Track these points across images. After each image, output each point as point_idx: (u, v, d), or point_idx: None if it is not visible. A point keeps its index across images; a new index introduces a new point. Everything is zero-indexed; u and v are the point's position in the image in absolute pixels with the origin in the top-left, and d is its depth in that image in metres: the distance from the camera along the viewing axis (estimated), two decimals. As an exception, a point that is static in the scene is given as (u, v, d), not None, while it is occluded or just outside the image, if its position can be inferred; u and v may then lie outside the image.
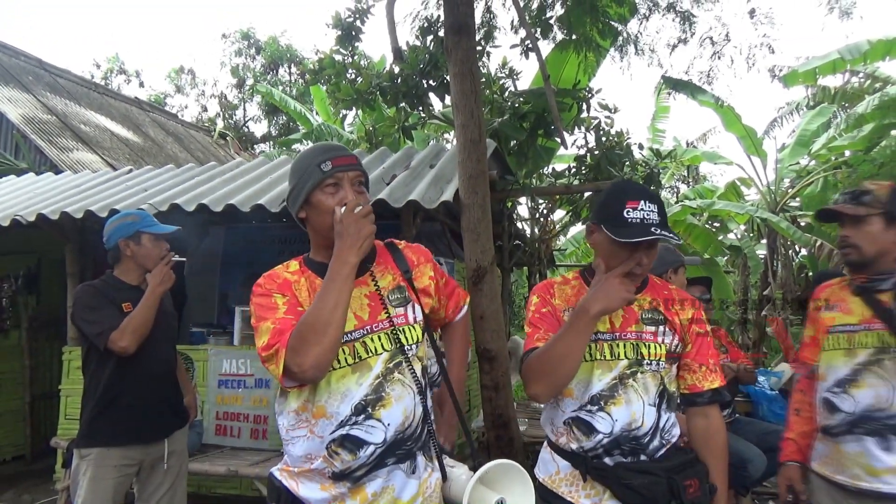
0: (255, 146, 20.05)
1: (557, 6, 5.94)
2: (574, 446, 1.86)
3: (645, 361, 1.84)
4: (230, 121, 20.59)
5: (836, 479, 2.16)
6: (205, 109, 22.47)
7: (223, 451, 4.71)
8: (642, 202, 1.77)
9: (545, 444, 2.01)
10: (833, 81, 10.79)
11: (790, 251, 11.04)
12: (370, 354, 1.62)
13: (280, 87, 17.94)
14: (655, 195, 1.85)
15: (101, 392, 2.82)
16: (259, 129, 21.44)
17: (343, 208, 1.57)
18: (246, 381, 5.07)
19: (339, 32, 6.43)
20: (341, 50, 6.62)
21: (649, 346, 1.86)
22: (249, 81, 20.86)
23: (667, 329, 1.88)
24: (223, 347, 5.23)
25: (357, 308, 1.64)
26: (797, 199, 10.67)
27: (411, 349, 1.69)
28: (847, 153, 9.60)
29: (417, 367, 1.68)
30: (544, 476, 1.94)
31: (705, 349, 1.92)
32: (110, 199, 5.23)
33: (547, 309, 1.93)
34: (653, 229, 1.74)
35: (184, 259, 3.20)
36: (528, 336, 1.91)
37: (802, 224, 10.56)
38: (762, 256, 10.91)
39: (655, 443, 1.83)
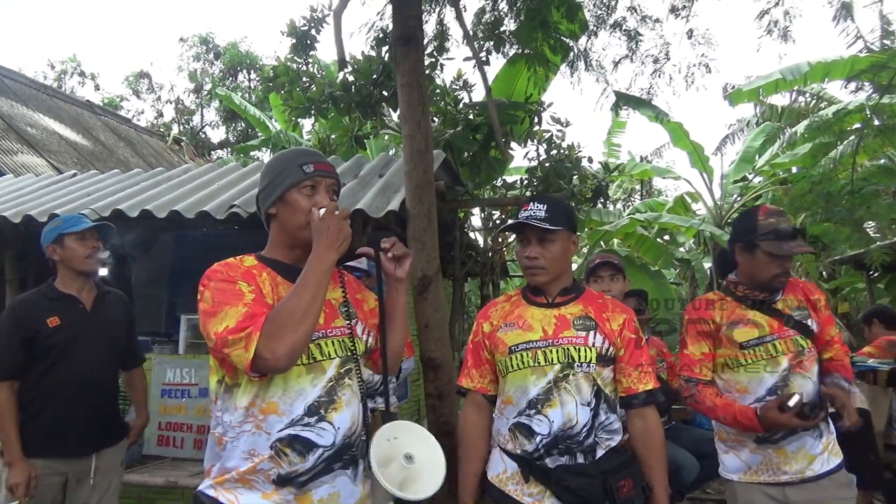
0: (212, 152, 19.76)
1: (510, 21, 6.06)
2: (519, 451, 1.98)
3: (576, 364, 1.97)
4: (187, 126, 20.27)
5: (781, 479, 2.29)
6: (160, 114, 22.09)
7: (164, 463, 4.63)
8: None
9: (496, 445, 2.11)
10: (781, 100, 11.23)
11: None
12: (324, 357, 1.64)
13: (239, 93, 17.75)
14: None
15: (27, 401, 2.75)
16: (217, 135, 21.16)
17: (323, 209, 1.61)
18: (190, 391, 4.99)
19: (294, 41, 6.43)
20: (296, 58, 6.61)
21: (579, 349, 1.98)
22: (207, 86, 20.58)
23: (597, 333, 2.00)
24: (167, 356, 5.14)
25: None
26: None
27: (360, 358, 1.74)
28: (794, 169, 9.98)
29: (364, 376, 1.74)
30: (492, 475, 2.06)
31: (638, 353, 2.04)
32: (51, 203, 5.12)
33: (478, 339, 2.17)
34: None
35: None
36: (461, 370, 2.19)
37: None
38: (710, 269, 11.23)
39: (591, 440, 1.94)
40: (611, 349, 2.01)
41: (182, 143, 16.52)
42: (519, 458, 1.99)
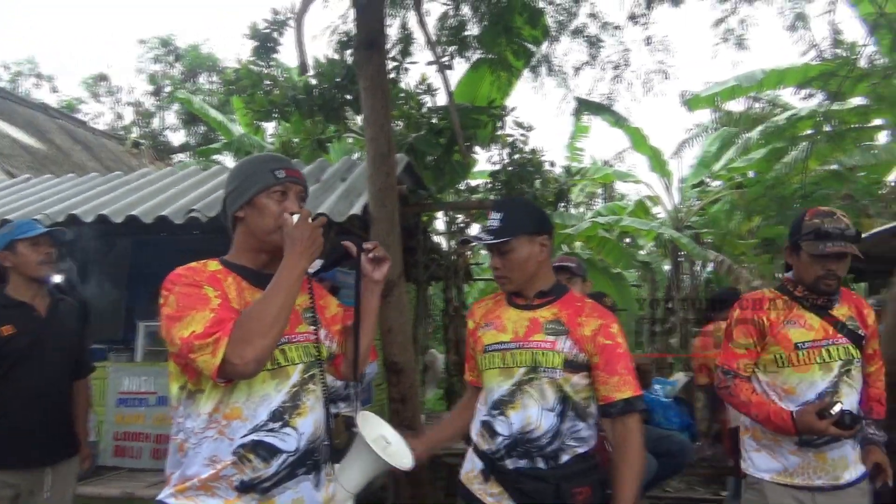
0: (173, 156, 19.39)
1: (473, 26, 6.11)
2: (484, 448, 2.01)
3: (541, 369, 1.95)
4: (146, 129, 19.85)
5: (815, 484, 2.28)
6: (120, 117, 21.58)
7: (120, 473, 4.52)
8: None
9: (472, 442, 2.13)
10: (738, 106, 11.53)
11: (696, 266, 11.65)
12: (288, 363, 1.63)
13: (200, 96, 17.46)
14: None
15: None
16: (177, 138, 20.77)
17: (297, 216, 1.61)
18: (148, 399, 4.89)
19: (256, 44, 6.37)
20: (258, 61, 6.55)
21: (546, 354, 1.96)
22: (168, 89, 20.20)
23: (567, 339, 1.97)
24: (124, 364, 5.03)
25: None
26: (703, 215, 11.30)
27: (323, 364, 1.74)
28: (751, 173, 10.26)
29: (327, 381, 1.74)
30: (462, 473, 2.09)
31: (615, 359, 1.96)
32: (3, 209, 4.99)
33: (468, 335, 2.23)
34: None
35: None
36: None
37: (707, 241, 11.17)
38: (669, 271, 11.46)
39: (555, 446, 1.93)
40: (581, 355, 1.96)
41: (141, 147, 16.19)
42: (484, 456, 2.01)
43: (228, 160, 14.25)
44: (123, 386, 4.89)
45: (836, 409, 2.14)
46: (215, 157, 14.91)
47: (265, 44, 6.32)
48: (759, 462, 2.39)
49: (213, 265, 1.67)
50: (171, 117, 20.77)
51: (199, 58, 20.30)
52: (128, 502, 4.22)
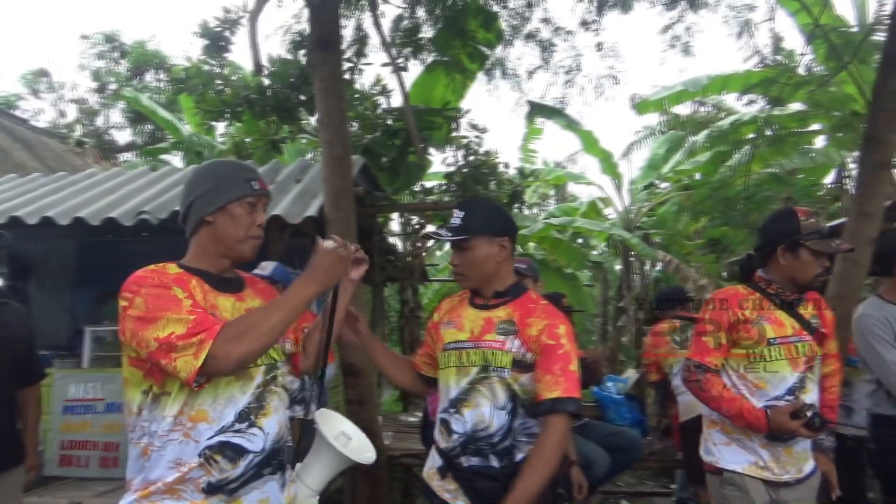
0: (118, 155, 18.82)
1: (428, 28, 6.14)
2: (443, 445, 2.05)
3: (491, 368, 1.99)
4: (90, 127, 19.21)
5: (783, 479, 2.35)
6: (63, 114, 20.81)
7: (66, 483, 4.38)
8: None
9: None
10: (685, 110, 11.87)
11: (646, 266, 11.95)
12: (252, 364, 1.64)
13: (147, 94, 16.98)
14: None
15: None
16: (123, 137, 20.16)
17: (330, 242, 1.65)
18: (96, 406, 4.75)
19: (207, 42, 6.25)
20: (209, 60, 6.44)
21: (496, 353, 2.00)
22: (113, 86, 19.59)
23: (515, 339, 2.00)
24: (70, 371, 4.87)
25: None
26: (653, 216, 11.60)
27: (282, 366, 1.77)
28: (697, 175, 10.58)
29: (286, 382, 1.77)
30: (424, 471, 2.14)
31: (552, 359, 1.96)
32: (-62, 210, 4.75)
33: (430, 325, 2.27)
34: None
35: None
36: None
37: (656, 241, 11.47)
38: (621, 271, 11.72)
39: (507, 443, 1.97)
40: (528, 355, 1.98)
41: (85, 146, 15.66)
42: (442, 454, 2.05)
43: (177, 160, 13.93)
44: (70, 393, 4.73)
45: (811, 411, 2.22)
46: (163, 156, 14.53)
47: (216, 43, 6.22)
48: (731, 455, 2.41)
49: (173, 268, 1.67)
50: (116, 115, 20.16)
51: (145, 55, 19.73)
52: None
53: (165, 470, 1.56)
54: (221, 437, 1.57)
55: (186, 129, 11.85)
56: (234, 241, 1.69)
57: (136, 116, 17.87)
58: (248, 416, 1.61)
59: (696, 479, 4.05)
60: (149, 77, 20.02)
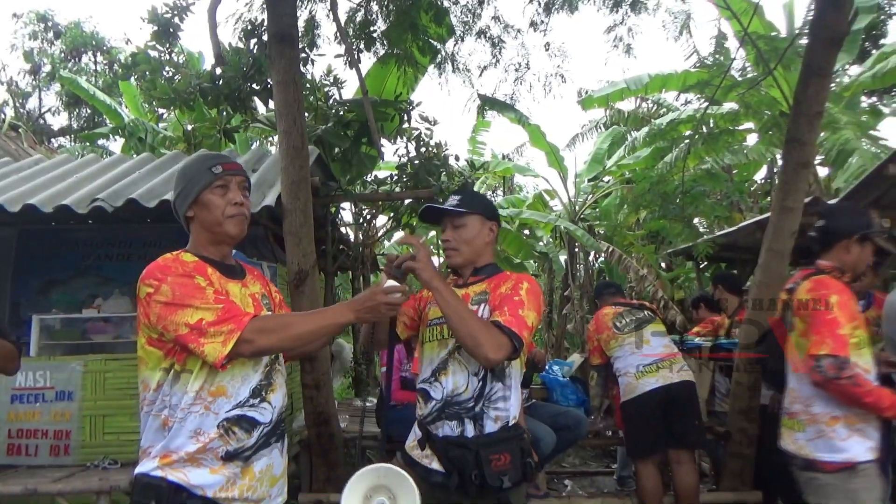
0: (53, 140, 18.12)
1: (380, 21, 6.23)
2: (420, 413, 2.23)
3: None
4: (22, 111, 18.41)
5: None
6: (-8, 97, 19.82)
7: (18, 471, 4.35)
8: None
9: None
10: (628, 105, 12.30)
11: (590, 257, 12.36)
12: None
13: (84, 77, 16.38)
14: None
15: None
16: (58, 121, 19.40)
17: (392, 286, 1.81)
18: (45, 395, 4.71)
19: (156, 28, 6.16)
20: (157, 46, 6.34)
21: None
22: (47, 68, 18.80)
23: (486, 306, 2.19)
24: (18, 359, 4.79)
25: (245, 306, 1.83)
26: (597, 208, 12.00)
27: None
28: (638, 170, 11.00)
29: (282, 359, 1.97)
30: (406, 444, 2.32)
31: (504, 302, 2.09)
32: None
33: (418, 296, 2.39)
34: None
35: None
36: None
37: (600, 232, 11.88)
38: (566, 261, 12.07)
39: (479, 408, 2.12)
40: (494, 312, 2.10)
41: (19, 130, 15.04)
42: (420, 424, 2.23)
43: (116, 145, 13.52)
44: (17, 382, 4.68)
45: None
46: (102, 141, 14.08)
47: (166, 29, 6.14)
48: (857, 447, 2.34)
49: (188, 256, 1.83)
50: (50, 98, 19.39)
51: (81, 36, 19.00)
52: (31, 498, 4.07)
53: (186, 440, 1.71)
54: (238, 411, 1.76)
55: (126, 113, 11.56)
56: (214, 224, 1.83)
57: (73, 100, 17.24)
58: (259, 392, 1.80)
59: (635, 455, 4.33)
60: (85, 59, 19.30)
